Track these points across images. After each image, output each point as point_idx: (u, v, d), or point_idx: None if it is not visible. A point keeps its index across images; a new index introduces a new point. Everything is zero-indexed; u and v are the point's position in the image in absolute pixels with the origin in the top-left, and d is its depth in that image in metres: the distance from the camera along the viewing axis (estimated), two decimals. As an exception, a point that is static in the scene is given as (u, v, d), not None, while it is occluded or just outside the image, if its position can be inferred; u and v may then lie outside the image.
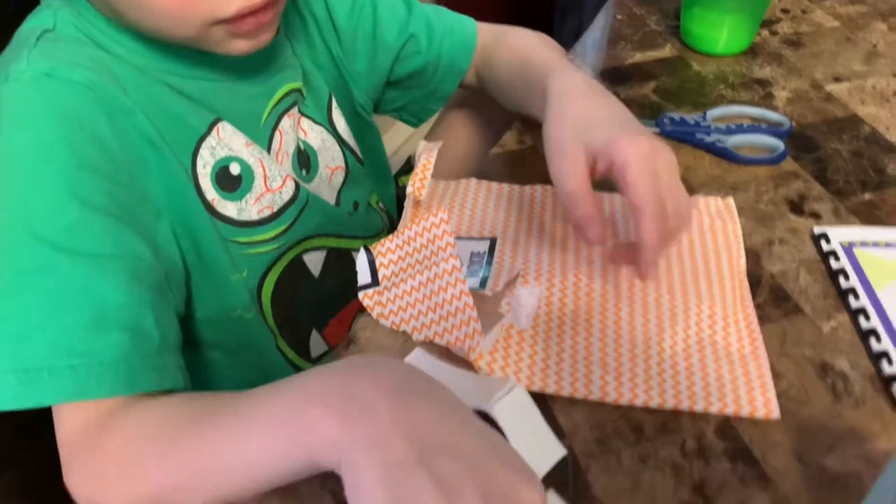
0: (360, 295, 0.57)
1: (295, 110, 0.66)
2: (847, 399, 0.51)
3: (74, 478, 0.46)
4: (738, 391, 0.50)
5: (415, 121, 0.82)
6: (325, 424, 0.37)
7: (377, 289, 0.56)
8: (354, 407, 0.37)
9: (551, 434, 0.46)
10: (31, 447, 0.48)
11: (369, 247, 0.58)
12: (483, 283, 0.59)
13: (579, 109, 0.57)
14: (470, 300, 0.52)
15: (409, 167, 0.93)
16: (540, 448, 0.45)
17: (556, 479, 0.46)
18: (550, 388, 0.51)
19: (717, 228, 0.63)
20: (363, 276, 0.58)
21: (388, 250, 0.58)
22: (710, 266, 0.59)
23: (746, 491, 0.46)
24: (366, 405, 0.37)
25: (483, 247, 0.62)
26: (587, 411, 0.50)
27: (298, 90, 0.66)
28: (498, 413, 0.45)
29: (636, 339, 0.54)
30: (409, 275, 0.55)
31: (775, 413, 0.49)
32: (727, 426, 0.49)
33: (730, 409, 0.49)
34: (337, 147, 0.71)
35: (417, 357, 0.52)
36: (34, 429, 0.49)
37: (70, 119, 0.50)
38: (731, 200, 0.66)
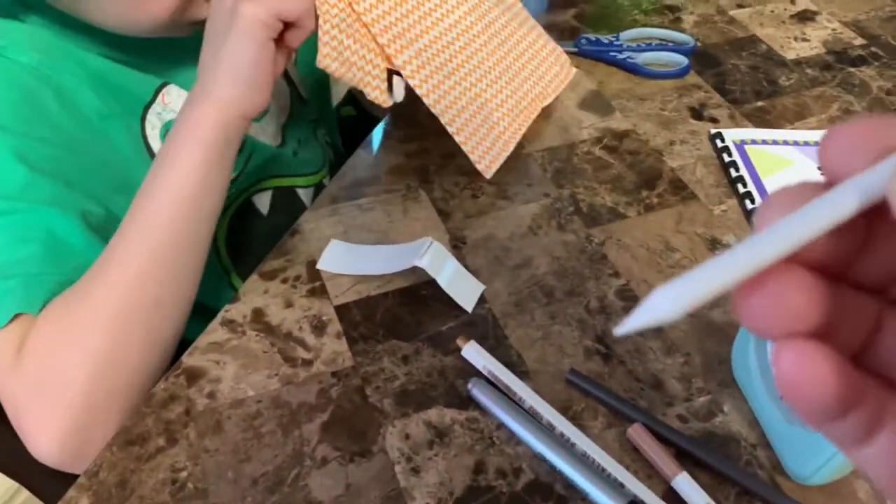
0: None
1: None
2: (731, 266, 0.58)
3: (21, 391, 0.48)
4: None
5: None
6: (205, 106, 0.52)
7: None
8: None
9: (470, 275, 0.54)
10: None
11: None
12: None
13: None
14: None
15: (349, 96, 0.98)
16: (465, 286, 0.53)
17: (476, 332, 0.53)
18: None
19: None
20: None
21: None
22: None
23: (642, 339, 0.53)
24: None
25: None
26: (506, 281, 0.57)
27: None
28: (426, 265, 0.51)
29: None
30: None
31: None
32: (626, 289, 0.56)
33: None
34: (283, 82, 0.76)
35: (335, 245, 0.59)
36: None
37: (17, 95, 0.54)
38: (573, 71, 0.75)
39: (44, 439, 0.47)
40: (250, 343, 0.52)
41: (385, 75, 0.59)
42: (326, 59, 0.55)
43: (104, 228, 0.55)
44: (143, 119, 0.61)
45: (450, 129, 0.60)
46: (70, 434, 0.47)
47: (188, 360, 0.51)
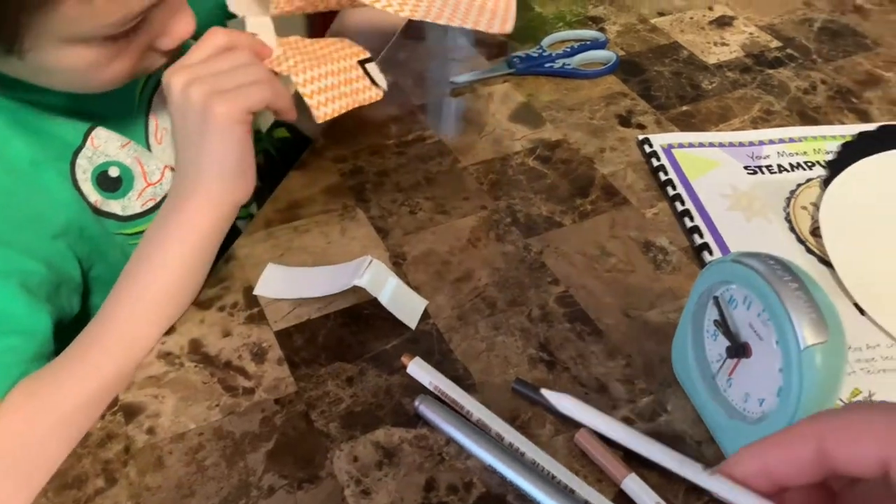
0: None
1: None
2: (666, 267, 0.60)
3: None
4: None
5: None
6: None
7: None
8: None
9: (412, 292, 0.53)
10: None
11: None
12: None
13: None
14: None
15: (280, 122, 0.97)
16: (407, 303, 0.52)
17: (421, 348, 0.53)
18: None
19: None
20: None
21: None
22: None
23: (583, 344, 0.54)
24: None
25: None
26: (448, 295, 0.57)
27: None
28: (366, 284, 0.51)
29: None
30: None
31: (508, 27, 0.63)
32: (566, 296, 0.57)
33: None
34: None
35: (272, 269, 0.58)
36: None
37: None
38: None
39: None
40: (189, 375, 0.51)
41: (362, 72, 0.62)
42: (322, 109, 0.58)
43: (45, 284, 0.54)
44: (72, 164, 0.60)
45: (445, 22, 0.58)
46: None
47: (125, 395, 0.50)
